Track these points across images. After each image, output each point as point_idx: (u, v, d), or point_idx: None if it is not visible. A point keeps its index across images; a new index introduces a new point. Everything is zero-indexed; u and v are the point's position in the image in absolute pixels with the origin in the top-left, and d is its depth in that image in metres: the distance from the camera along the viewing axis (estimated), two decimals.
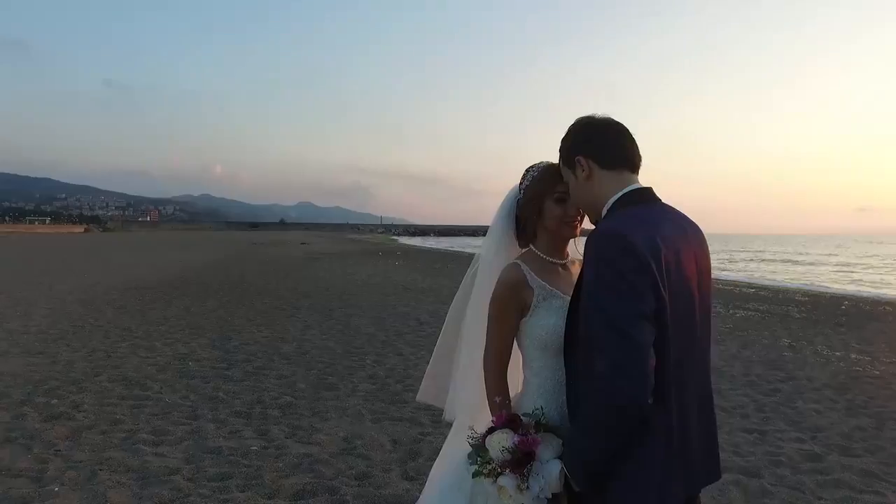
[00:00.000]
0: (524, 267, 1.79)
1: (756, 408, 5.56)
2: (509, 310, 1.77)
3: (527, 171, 1.87)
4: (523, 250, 1.93)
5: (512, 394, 1.91)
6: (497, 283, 1.79)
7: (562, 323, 1.69)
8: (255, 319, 10.07)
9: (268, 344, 8.06)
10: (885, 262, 41.63)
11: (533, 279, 1.77)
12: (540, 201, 1.80)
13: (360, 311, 11.16)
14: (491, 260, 1.94)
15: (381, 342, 8.27)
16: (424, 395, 2.16)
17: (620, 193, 1.53)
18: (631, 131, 1.62)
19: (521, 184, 1.89)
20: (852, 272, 31.26)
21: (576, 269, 1.91)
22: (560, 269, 1.86)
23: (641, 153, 1.63)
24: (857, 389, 6.34)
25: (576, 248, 1.93)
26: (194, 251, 34.33)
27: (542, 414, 1.66)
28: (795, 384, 6.50)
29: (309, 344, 8.11)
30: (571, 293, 1.76)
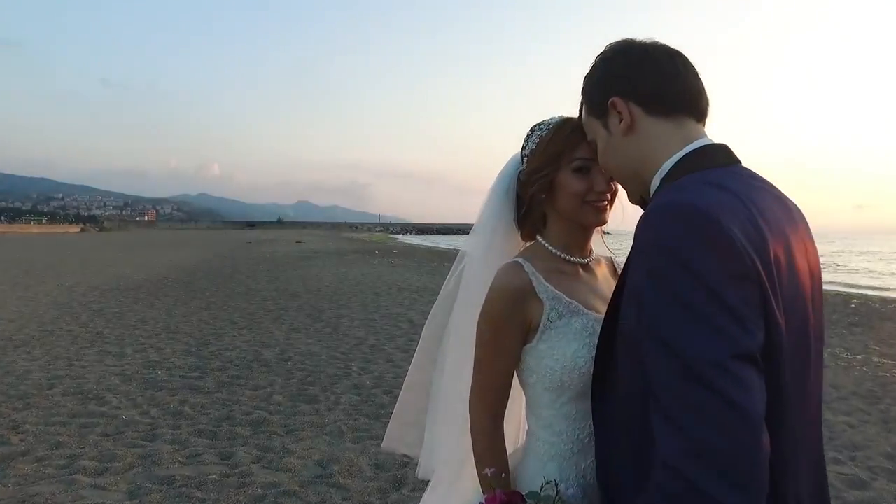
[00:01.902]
0: (528, 268, 1.22)
1: None
2: (506, 331, 1.21)
3: (532, 130, 1.31)
4: (527, 244, 1.36)
5: (511, 447, 1.34)
6: (489, 290, 1.23)
7: (586, 352, 1.13)
8: (238, 322, 9.50)
9: (248, 349, 7.49)
10: (887, 259, 41.18)
11: (542, 286, 1.20)
12: (551, 172, 1.24)
13: (350, 313, 10.60)
14: (481, 258, 1.37)
15: (370, 346, 7.70)
16: (392, 441, 1.60)
17: (684, 152, 0.97)
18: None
19: (523, 149, 1.32)
20: (854, 270, 30.77)
21: (603, 272, 1.34)
22: (581, 271, 1.29)
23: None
24: (889, 399, 5.78)
25: (602, 241, 1.37)
26: (187, 250, 33.67)
27: (557, 493, 1.09)
28: None
29: (293, 349, 7.54)
30: (600, 308, 1.19)
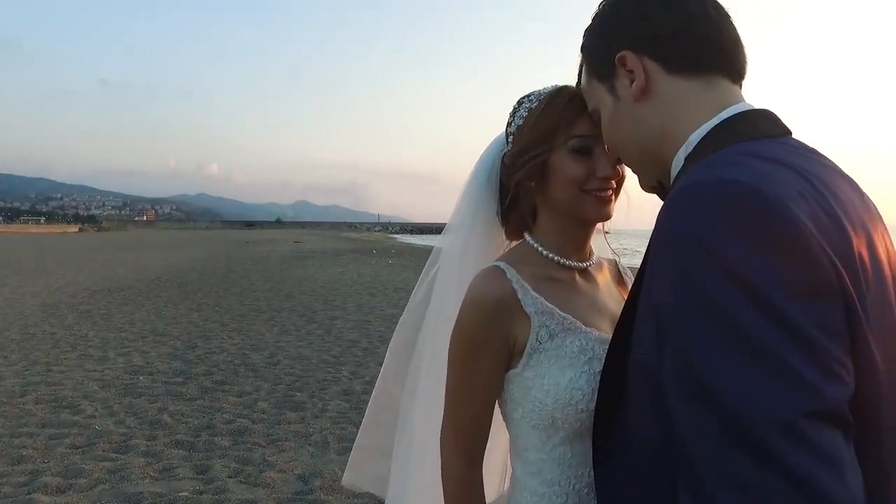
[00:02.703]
0: (512, 274, 0.98)
1: None
2: (484, 354, 0.96)
3: (519, 102, 1.06)
4: (512, 244, 1.12)
5: (492, 495, 1.10)
6: (463, 303, 0.98)
7: (585, 383, 0.89)
8: (228, 324, 9.25)
9: (236, 353, 7.24)
10: None
11: (529, 297, 0.96)
12: (542, 153, 0.99)
13: (345, 314, 10.36)
14: (456, 261, 1.13)
15: (362, 350, 7.46)
16: (354, 477, 1.35)
17: (718, 120, 0.72)
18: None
19: (508, 126, 1.08)
20: None
21: (606, 280, 1.09)
22: (579, 277, 1.05)
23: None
24: None
25: (605, 241, 1.12)
26: (184, 250, 33.41)
27: None
28: None
29: (282, 352, 7.30)
30: (603, 325, 0.95)
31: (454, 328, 0.98)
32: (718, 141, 0.69)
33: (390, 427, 1.27)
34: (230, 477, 3.67)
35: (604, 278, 1.08)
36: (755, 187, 0.55)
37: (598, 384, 0.85)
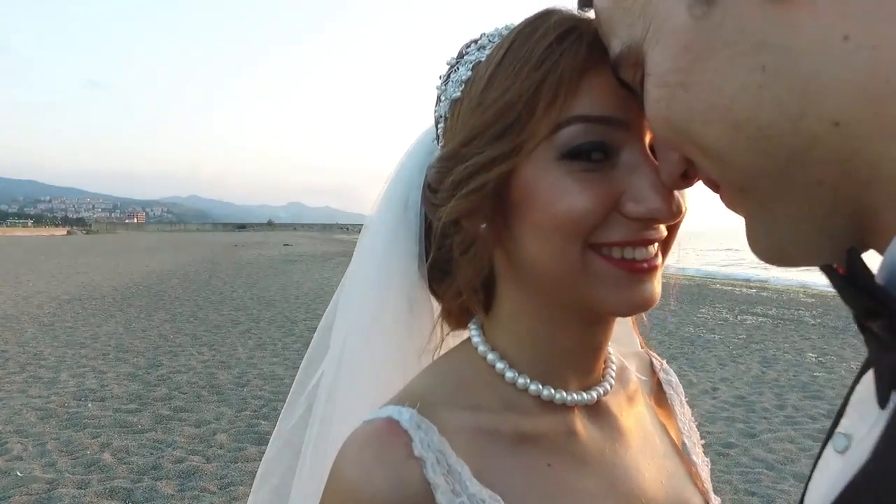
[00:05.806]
0: (426, 435, 0.42)
1: (809, 460, 4.27)
2: None
3: (460, 54, 0.51)
4: (446, 342, 0.57)
5: None
6: (326, 494, 0.44)
7: None
8: (201, 337, 8.69)
9: (204, 371, 6.68)
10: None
11: (464, 496, 0.41)
12: (501, 161, 0.44)
13: None
14: (350, 368, 0.59)
15: None
16: None
17: None
18: None
19: (438, 101, 0.53)
20: None
21: (638, 414, 0.55)
22: (579, 423, 0.49)
23: None
24: None
25: (645, 322, 0.59)
26: (169, 254, 32.67)
27: None
28: None
29: (254, 370, 6.75)
30: None
31: None
32: None
33: None
34: None
35: (634, 412, 0.53)
36: None
37: None
